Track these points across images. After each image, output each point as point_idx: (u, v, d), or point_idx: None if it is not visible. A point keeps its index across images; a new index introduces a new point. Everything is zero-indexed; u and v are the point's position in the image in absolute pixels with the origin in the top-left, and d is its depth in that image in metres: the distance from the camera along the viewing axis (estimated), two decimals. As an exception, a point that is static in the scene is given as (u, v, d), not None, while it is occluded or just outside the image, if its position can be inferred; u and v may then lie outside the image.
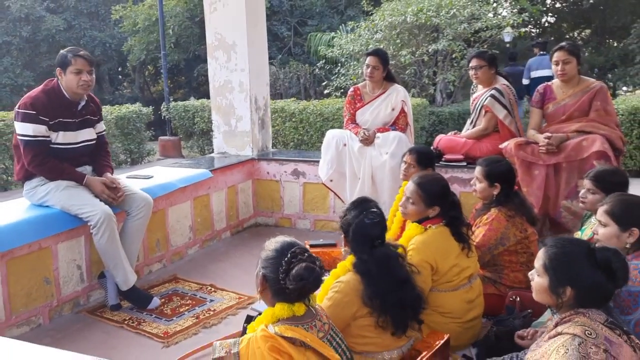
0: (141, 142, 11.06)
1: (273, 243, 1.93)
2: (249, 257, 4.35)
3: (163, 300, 3.51)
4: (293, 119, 9.29)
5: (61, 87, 3.26)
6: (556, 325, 1.80)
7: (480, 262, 2.96)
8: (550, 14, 19.80)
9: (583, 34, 20.75)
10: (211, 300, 3.53)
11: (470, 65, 4.29)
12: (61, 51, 3.29)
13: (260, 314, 2.72)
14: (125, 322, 3.25)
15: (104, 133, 3.63)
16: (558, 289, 1.79)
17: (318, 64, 12.81)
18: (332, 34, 13.63)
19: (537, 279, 1.86)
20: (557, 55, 3.75)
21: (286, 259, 1.84)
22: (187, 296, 3.61)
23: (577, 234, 3.02)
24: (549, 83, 3.99)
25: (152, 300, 3.42)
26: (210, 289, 3.71)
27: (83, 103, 3.37)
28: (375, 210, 2.39)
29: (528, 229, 3.10)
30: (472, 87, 4.59)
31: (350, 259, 2.35)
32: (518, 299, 2.89)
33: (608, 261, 1.74)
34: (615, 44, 18.73)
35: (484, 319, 2.93)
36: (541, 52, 10.03)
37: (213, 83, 5.22)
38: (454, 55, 10.57)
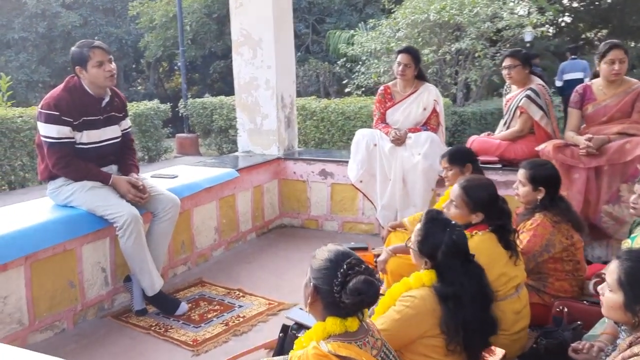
0: (159, 140, 11.00)
1: (325, 252, 1.78)
2: (276, 260, 4.22)
3: (190, 305, 3.40)
4: (314, 118, 9.16)
5: (83, 84, 3.14)
6: (630, 345, 1.65)
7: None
8: (567, 14, 19.48)
9: (600, 34, 20.38)
10: (240, 306, 3.40)
11: (504, 64, 4.13)
12: (73, 48, 3.15)
13: (296, 323, 2.63)
14: (152, 328, 3.13)
15: (129, 130, 3.52)
16: (634, 306, 1.63)
17: (338, 62, 12.66)
18: (352, 31, 13.47)
19: (610, 295, 1.71)
20: (613, 54, 3.56)
21: (342, 270, 1.69)
22: (215, 301, 3.49)
23: (627, 242, 2.84)
24: (589, 83, 3.81)
25: (179, 305, 3.30)
26: (238, 294, 3.59)
27: (107, 99, 3.25)
28: (455, 222, 2.22)
29: (574, 236, 2.93)
30: (506, 87, 4.42)
31: (429, 275, 2.13)
32: (565, 309, 2.73)
33: None
34: (634, 44, 18.34)
35: (529, 330, 2.77)
36: (572, 57, 10.48)
37: (238, 80, 5.10)
38: (476, 55, 10.38)
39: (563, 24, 19.96)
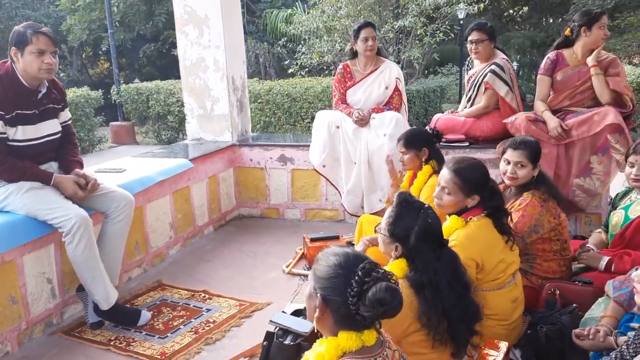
0: (91, 129, 10.29)
1: (331, 256, 1.52)
2: (240, 255, 3.93)
3: (152, 312, 3.05)
4: (258, 101, 8.82)
5: (16, 71, 2.70)
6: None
7: None
8: (491, -9, 19.95)
9: (521, 11, 21.04)
10: (208, 310, 3.10)
11: (470, 39, 4.00)
12: (16, 27, 2.71)
13: (281, 329, 2.38)
14: (112, 343, 2.78)
15: (69, 122, 3.08)
16: None
17: (279, 42, 12.27)
18: (289, 10, 13.09)
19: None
20: (605, 19, 3.52)
21: (357, 277, 1.44)
22: (179, 306, 3.16)
23: (618, 214, 2.77)
24: (560, 50, 3.74)
25: (140, 314, 2.95)
26: (204, 296, 3.28)
27: (44, 91, 2.82)
28: (428, 205, 2.06)
29: (561, 215, 2.84)
30: (468, 62, 4.32)
31: (399, 265, 1.99)
32: (558, 292, 2.63)
33: None
34: (552, 20, 19.07)
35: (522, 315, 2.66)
36: None
37: (184, 62, 4.70)
38: (417, 32, 10.33)
39: (487, 1, 20.45)
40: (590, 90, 3.60)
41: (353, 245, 3.27)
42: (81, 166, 3.01)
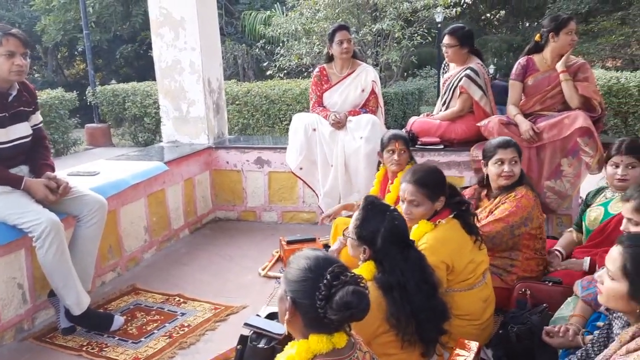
0: (66, 131, 10.12)
1: (302, 259, 1.53)
2: (216, 258, 3.91)
3: (125, 317, 3.02)
4: (236, 102, 8.79)
5: None
6: (634, 336, 1.56)
7: (498, 242, 2.75)
8: (469, -5, 20.18)
9: (498, 15, 21.35)
10: (182, 314, 3.08)
11: (442, 42, 4.05)
12: None
13: (255, 332, 2.37)
14: (84, 349, 2.74)
15: (40, 125, 3.04)
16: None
17: (258, 44, 12.24)
18: (268, 12, 13.07)
19: (611, 284, 1.61)
20: (572, 25, 3.58)
21: (325, 281, 1.45)
22: (153, 310, 3.14)
23: (597, 210, 2.84)
24: (531, 56, 3.81)
25: (113, 319, 2.92)
26: (179, 300, 3.26)
27: (14, 94, 2.78)
28: (394, 207, 2.10)
29: (543, 214, 2.93)
30: (444, 65, 4.35)
31: (367, 267, 2.02)
32: (528, 292, 2.69)
33: None
34: (528, 24, 19.38)
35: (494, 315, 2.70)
36: None
37: (159, 64, 4.66)
38: (395, 35, 10.39)
39: (465, 5, 20.67)
40: (561, 94, 3.67)
41: (329, 247, 3.28)
42: (52, 169, 2.96)
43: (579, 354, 1.90)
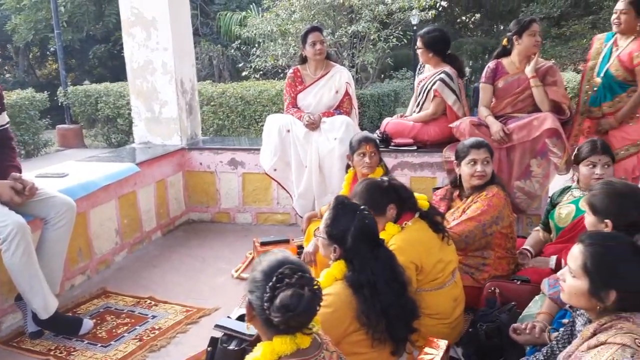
0: (36, 132, 9.92)
1: (264, 261, 1.54)
2: (189, 260, 3.88)
3: (94, 321, 2.98)
4: (212, 103, 8.74)
5: None
6: (595, 332, 1.60)
7: (471, 241, 2.79)
8: (444, -2, 20.43)
9: (473, 18, 21.63)
10: (153, 317, 3.05)
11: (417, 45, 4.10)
12: None
13: (226, 334, 2.36)
14: (52, 353, 2.69)
15: (7, 126, 2.98)
16: (600, 293, 1.57)
17: (232, 45, 12.17)
18: (244, 13, 13.01)
19: (573, 281, 1.64)
20: (535, 27, 3.65)
21: (271, 283, 1.46)
22: (123, 313, 3.09)
23: (567, 208, 2.90)
24: (499, 60, 3.88)
25: (82, 323, 2.87)
26: (150, 303, 3.22)
27: None
28: (364, 207, 2.11)
29: (514, 213, 2.98)
30: (420, 66, 4.39)
31: (338, 267, 2.03)
32: (497, 290, 2.73)
33: None
34: (502, 27, 19.68)
35: (464, 314, 2.74)
36: None
37: (131, 64, 4.60)
38: (371, 37, 10.45)
39: (440, 8, 20.89)
40: (531, 98, 3.74)
41: (302, 248, 3.29)
42: (19, 171, 2.90)
43: (545, 351, 1.94)
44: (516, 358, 2.19)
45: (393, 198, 2.44)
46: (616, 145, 3.47)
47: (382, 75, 14.97)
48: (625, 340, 1.48)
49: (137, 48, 4.54)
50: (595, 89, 3.61)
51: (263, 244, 3.60)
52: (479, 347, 2.49)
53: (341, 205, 2.09)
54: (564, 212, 2.91)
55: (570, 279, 1.65)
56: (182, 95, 4.63)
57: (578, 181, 2.93)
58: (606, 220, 2.06)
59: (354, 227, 1.99)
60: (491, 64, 3.87)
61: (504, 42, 3.81)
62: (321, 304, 1.91)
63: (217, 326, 2.39)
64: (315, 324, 1.57)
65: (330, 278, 2.01)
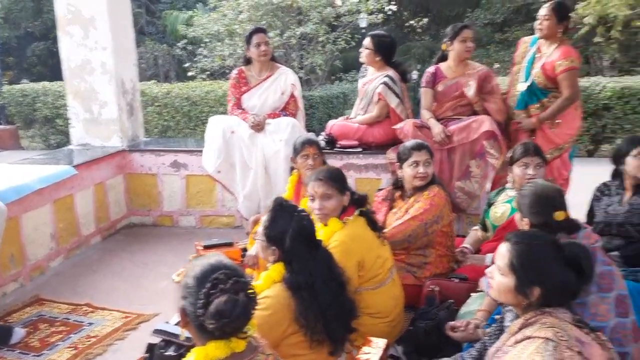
0: (-31, 133, 9.43)
1: (196, 266, 1.51)
2: (129, 265, 3.78)
3: (27, 329, 2.85)
4: (156, 104, 8.55)
5: None
6: (522, 327, 1.66)
7: (414, 240, 2.87)
8: (392, 2, 20.81)
9: (421, 22, 22.16)
10: (90, 324, 2.95)
11: (363, 43, 4.14)
12: None
13: (164, 339, 2.31)
14: (-21, 366, 2.57)
15: None
16: (526, 289, 1.64)
17: (178, 44, 11.94)
18: (190, 12, 12.80)
19: (501, 279, 1.70)
20: (465, 33, 3.77)
21: (204, 289, 1.42)
22: (58, 321, 2.98)
23: (503, 207, 2.99)
24: (438, 65, 3.98)
25: (12, 331, 2.75)
26: (87, 310, 3.11)
27: None
28: (302, 208, 2.14)
29: (454, 212, 3.07)
30: (362, 69, 4.44)
31: (277, 269, 2.03)
32: (437, 288, 2.79)
33: (577, 257, 1.63)
34: None
35: (405, 312, 2.78)
36: None
37: (68, 63, 4.45)
38: (319, 39, 10.50)
39: (390, 12, 21.23)
40: (470, 104, 3.87)
41: (246, 251, 3.26)
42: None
43: (477, 346, 1.99)
44: (453, 354, 2.25)
45: (348, 187, 2.54)
46: (543, 149, 3.62)
47: (333, 77, 15.07)
48: (548, 334, 1.54)
49: (75, 47, 4.40)
50: (519, 92, 3.76)
51: (206, 247, 3.55)
52: (418, 345, 2.53)
53: (279, 207, 2.09)
54: (500, 211, 3.01)
55: (498, 277, 1.71)
56: (122, 96, 4.50)
57: (513, 182, 3.04)
58: (525, 219, 2.15)
59: (292, 229, 1.99)
60: (431, 69, 3.97)
61: (443, 47, 3.92)
62: (259, 306, 1.92)
63: (156, 331, 2.34)
64: (250, 327, 1.56)
65: (269, 280, 2.01)
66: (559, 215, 2.02)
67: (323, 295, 1.96)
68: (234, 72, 4.23)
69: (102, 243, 4.22)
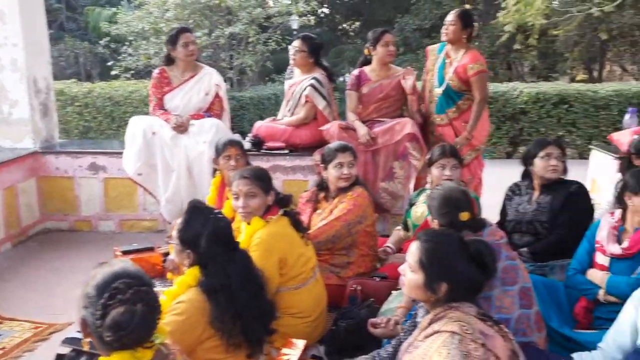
0: None
1: (98, 275, 1.44)
2: (43, 273, 3.59)
3: None
4: (76, 104, 8.18)
5: None
6: (431, 322, 1.72)
7: (338, 240, 2.90)
8: (325, 5, 21.07)
9: (353, 26, 22.54)
10: (-3, 336, 2.77)
11: (293, 45, 4.14)
12: None
13: (74, 349, 2.20)
14: None
15: None
16: (434, 285, 1.70)
17: (101, 42, 11.48)
18: (114, 9, 12.34)
19: (411, 275, 1.76)
20: (387, 38, 3.88)
21: (102, 300, 1.36)
22: (-40, 335, 2.78)
23: (423, 207, 3.08)
24: (362, 68, 4.06)
25: None
26: (-6, 321, 2.93)
27: None
28: (219, 210, 2.12)
29: (377, 212, 3.13)
30: (288, 71, 4.44)
31: (192, 273, 1.99)
32: (359, 288, 2.84)
33: (481, 253, 1.71)
34: None
35: (327, 313, 2.81)
36: None
37: (-26, 60, 4.16)
38: (249, 40, 10.44)
39: (322, 15, 21.46)
40: (395, 105, 4.00)
41: (168, 255, 3.18)
42: None
43: (394, 342, 2.05)
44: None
45: (273, 187, 2.56)
46: (464, 152, 3.79)
47: (267, 78, 15.02)
48: (454, 328, 1.61)
49: (-18, 43, 4.12)
50: (436, 98, 3.90)
51: (125, 252, 3.41)
52: (340, 344, 2.57)
53: (194, 209, 2.06)
54: (419, 211, 3.11)
55: (409, 273, 1.76)
56: (35, 95, 4.28)
57: (432, 182, 3.14)
58: (435, 220, 2.24)
59: (207, 231, 1.96)
60: (355, 72, 4.06)
61: (366, 51, 4.00)
62: (173, 312, 1.89)
63: (65, 341, 2.23)
64: (159, 335, 1.51)
65: (184, 285, 1.97)
66: (463, 216, 2.12)
67: (240, 297, 1.94)
68: (156, 71, 4.12)
69: (12, 250, 3.98)
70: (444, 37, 3.87)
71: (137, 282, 1.42)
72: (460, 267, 1.69)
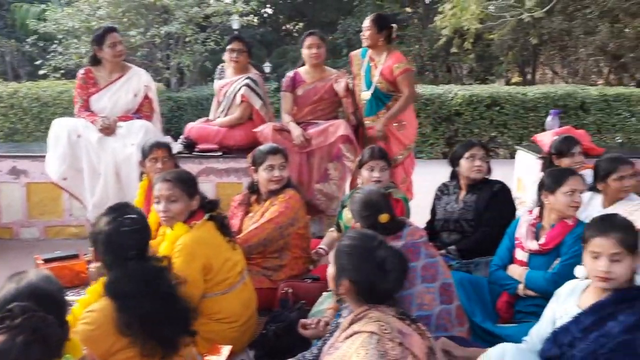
0: None
1: (4, 290, 1.36)
2: (-45, 286, 3.34)
3: None
4: (1, 104, 7.76)
5: None
6: (351, 323, 1.74)
7: (270, 243, 2.88)
8: (268, 5, 21.01)
9: (297, 26, 22.59)
10: None
11: (231, 47, 4.08)
12: None
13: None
14: None
15: None
16: (338, 279, 1.78)
17: (29, 40, 10.95)
18: (43, 6, 11.81)
19: (329, 267, 1.86)
20: (310, 39, 3.92)
21: None
22: None
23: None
24: (297, 69, 4.07)
25: None
26: None
27: None
28: (135, 216, 2.02)
29: (311, 214, 3.14)
30: (218, 71, 4.36)
31: (102, 281, 1.92)
32: (291, 290, 2.83)
33: (383, 261, 1.76)
34: (330, 37, 20.88)
35: (259, 317, 2.78)
36: None
37: None
38: (187, 39, 10.26)
39: (266, 15, 21.39)
40: (330, 107, 4.04)
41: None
42: None
43: (319, 344, 2.06)
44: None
45: (198, 191, 2.50)
46: (395, 151, 3.85)
47: (208, 79, 14.79)
48: (373, 328, 1.64)
49: None
50: (364, 101, 3.96)
51: (47, 260, 3.25)
52: (270, 347, 2.54)
53: (111, 208, 2.02)
54: (350, 213, 3.14)
55: (330, 267, 1.84)
56: (-52, 95, 4.01)
57: (362, 184, 3.18)
58: (357, 223, 2.31)
59: (106, 233, 1.91)
60: (290, 74, 4.09)
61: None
62: (83, 320, 1.83)
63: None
64: (70, 356, 1.43)
65: (95, 294, 1.91)
66: (383, 218, 2.18)
67: (150, 304, 1.88)
68: (81, 72, 3.98)
69: None
70: (363, 43, 3.94)
71: (37, 304, 1.34)
72: (361, 267, 1.75)
